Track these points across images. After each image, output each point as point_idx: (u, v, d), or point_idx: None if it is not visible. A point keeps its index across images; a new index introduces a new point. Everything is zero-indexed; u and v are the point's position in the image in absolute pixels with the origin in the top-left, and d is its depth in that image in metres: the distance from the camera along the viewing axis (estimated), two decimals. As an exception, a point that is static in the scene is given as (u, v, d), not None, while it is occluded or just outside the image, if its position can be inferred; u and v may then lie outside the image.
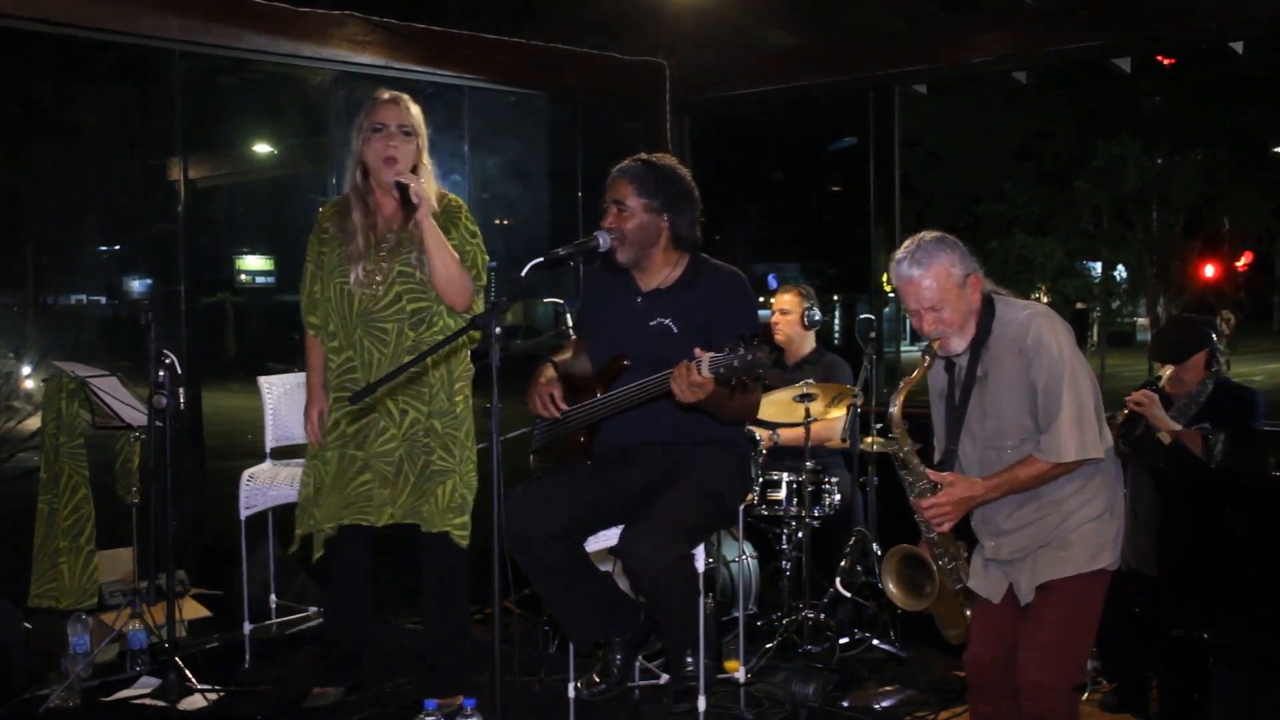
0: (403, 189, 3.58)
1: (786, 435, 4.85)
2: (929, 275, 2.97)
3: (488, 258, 3.83)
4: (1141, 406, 3.95)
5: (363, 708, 3.94)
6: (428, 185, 3.68)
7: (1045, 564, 3.00)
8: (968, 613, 3.25)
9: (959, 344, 3.04)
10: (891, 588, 3.30)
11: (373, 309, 3.70)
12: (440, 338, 3.69)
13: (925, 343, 3.08)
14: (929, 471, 3.06)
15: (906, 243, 3.03)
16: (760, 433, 4.75)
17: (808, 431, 4.65)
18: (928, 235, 3.02)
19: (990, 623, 3.13)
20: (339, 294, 3.73)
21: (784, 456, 4.92)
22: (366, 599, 4.08)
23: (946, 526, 3.07)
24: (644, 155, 3.51)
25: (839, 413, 4.83)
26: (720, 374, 3.03)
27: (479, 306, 3.77)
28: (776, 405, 4.79)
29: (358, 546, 3.92)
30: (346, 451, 3.75)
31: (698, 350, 3.09)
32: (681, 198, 3.47)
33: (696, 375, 3.08)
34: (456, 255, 3.67)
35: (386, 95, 3.73)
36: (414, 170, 3.68)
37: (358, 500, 3.74)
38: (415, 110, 3.74)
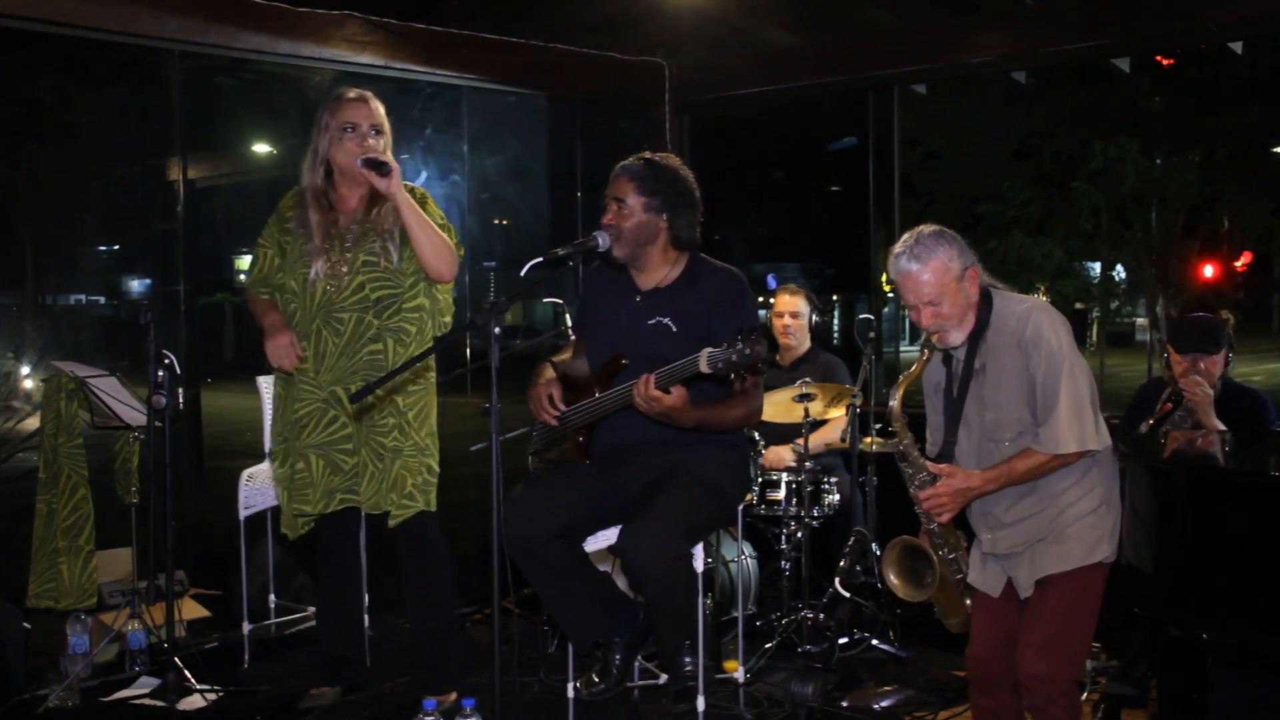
0: (376, 164, 3.55)
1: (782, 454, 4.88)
2: (928, 270, 2.97)
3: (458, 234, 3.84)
4: (1197, 399, 3.82)
5: (361, 708, 3.95)
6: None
7: (1043, 558, 3.01)
8: (968, 602, 3.26)
9: (958, 337, 3.05)
10: (892, 578, 3.31)
11: (335, 299, 3.70)
12: (406, 322, 3.71)
13: (924, 337, 3.09)
14: (928, 463, 3.08)
15: (905, 237, 3.04)
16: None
17: (807, 433, 4.65)
18: (926, 229, 3.03)
19: (990, 617, 3.14)
20: (302, 284, 3.73)
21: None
22: (355, 598, 4.08)
23: (945, 517, 3.09)
24: (648, 154, 3.50)
25: (838, 412, 4.83)
26: (719, 369, 3.04)
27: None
28: (775, 405, 4.79)
29: (345, 542, 3.92)
30: (291, 442, 3.78)
31: (647, 375, 3.14)
32: (682, 198, 3.47)
33: (651, 389, 3.16)
34: (435, 225, 3.67)
35: (353, 94, 3.72)
36: None
37: (298, 488, 3.76)
38: (381, 108, 3.74)
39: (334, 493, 3.75)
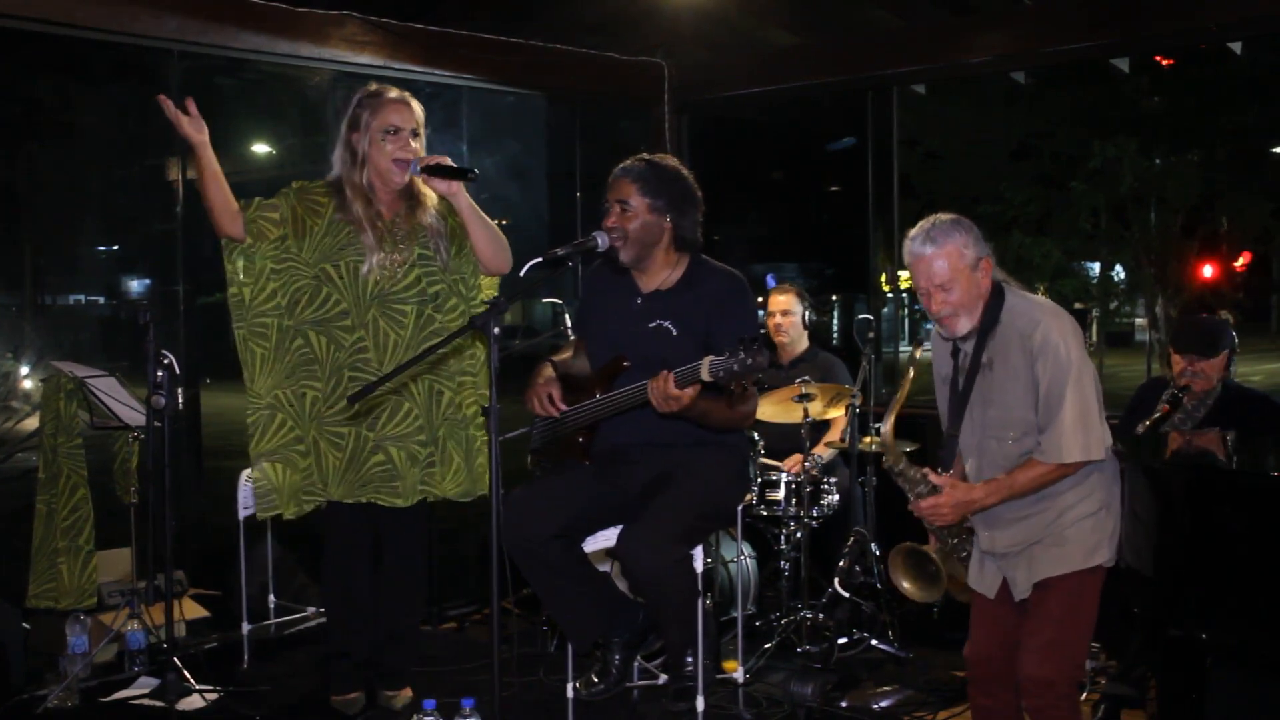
0: (441, 169, 3.54)
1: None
2: (941, 254, 2.98)
3: None
4: None
5: (358, 706, 3.93)
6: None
7: (1042, 561, 3.01)
8: None
9: (965, 325, 3.05)
10: (906, 585, 3.32)
11: (390, 290, 3.68)
12: (455, 318, 3.75)
13: (910, 353, 3.10)
14: (929, 474, 3.08)
15: (922, 222, 3.06)
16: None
17: (808, 433, 4.65)
18: (943, 216, 3.05)
19: (988, 617, 3.15)
20: (351, 274, 3.68)
21: (783, 455, 4.93)
22: (374, 597, 4.03)
23: (942, 523, 3.10)
24: (646, 155, 3.50)
25: (837, 412, 4.83)
26: (720, 377, 3.04)
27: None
28: (774, 405, 4.80)
29: (364, 539, 3.87)
30: (360, 431, 3.72)
31: (666, 373, 3.14)
32: (685, 198, 3.47)
33: (672, 388, 3.13)
34: (490, 221, 3.68)
35: (394, 94, 3.69)
36: None
37: (374, 480, 3.70)
38: (421, 110, 3.73)
39: (418, 484, 3.74)
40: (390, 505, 3.72)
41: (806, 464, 4.67)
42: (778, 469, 4.80)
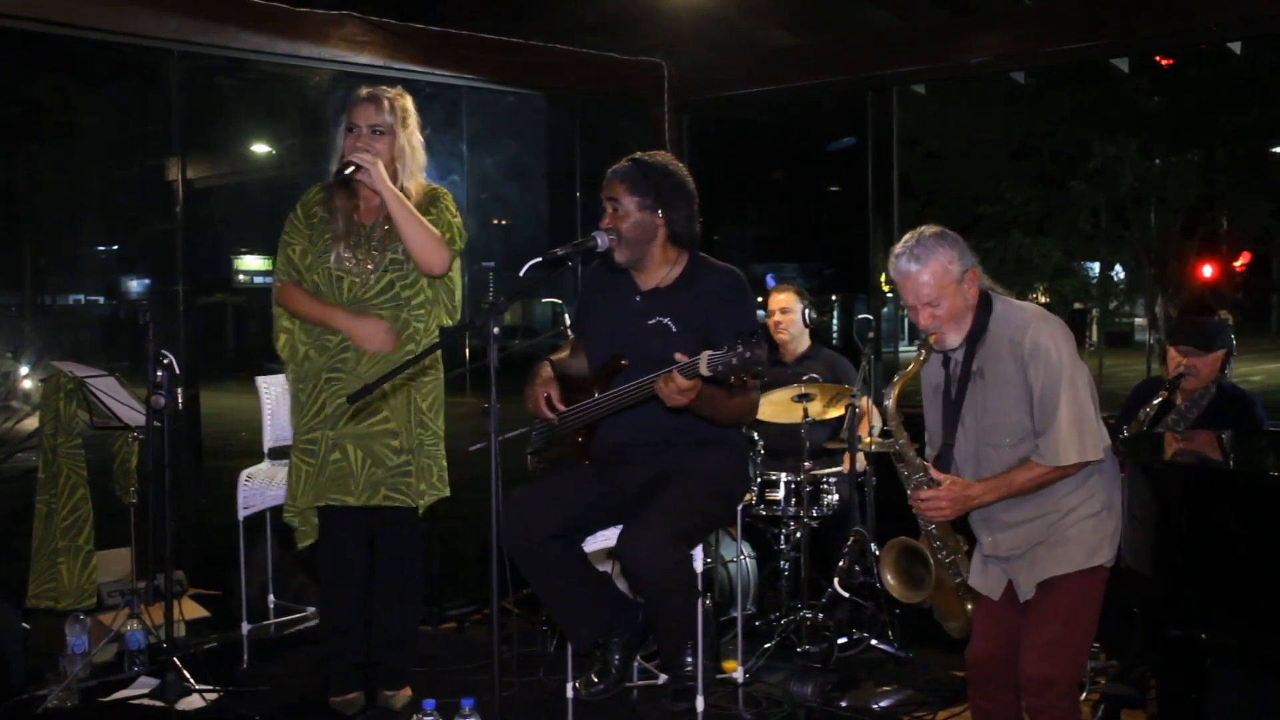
0: (345, 165, 3.62)
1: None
2: (927, 271, 2.98)
3: (466, 234, 3.85)
4: None
5: (357, 707, 3.93)
6: (413, 180, 3.73)
7: (1044, 561, 3.01)
8: (968, 606, 3.26)
9: (954, 339, 3.05)
10: (889, 579, 3.31)
11: (363, 296, 3.71)
12: (415, 319, 3.75)
13: (922, 337, 3.10)
14: (931, 469, 3.08)
15: (906, 237, 3.05)
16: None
17: (807, 433, 4.65)
18: (927, 230, 3.04)
19: (991, 619, 3.15)
20: (328, 279, 3.73)
21: (783, 455, 4.93)
22: (365, 605, 4.04)
23: (939, 518, 3.09)
24: (635, 154, 3.51)
25: (837, 412, 4.83)
26: (719, 371, 3.03)
27: (455, 275, 3.85)
28: (774, 405, 4.79)
29: (358, 544, 3.88)
30: (325, 432, 3.75)
31: (678, 355, 3.11)
32: (675, 193, 3.47)
33: (682, 381, 3.11)
34: (423, 219, 3.68)
35: (364, 93, 3.75)
36: (396, 167, 3.71)
37: (330, 480, 3.73)
38: (392, 106, 3.73)
39: (378, 486, 3.73)
40: (341, 504, 3.73)
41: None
42: (838, 474, 4.78)
